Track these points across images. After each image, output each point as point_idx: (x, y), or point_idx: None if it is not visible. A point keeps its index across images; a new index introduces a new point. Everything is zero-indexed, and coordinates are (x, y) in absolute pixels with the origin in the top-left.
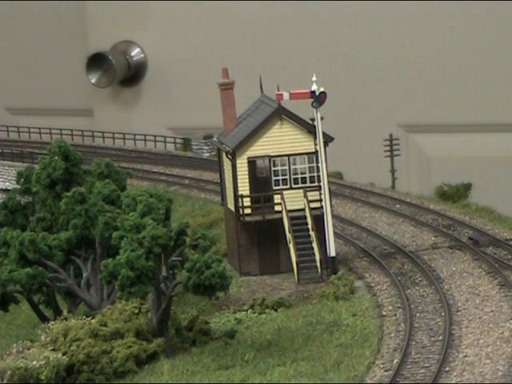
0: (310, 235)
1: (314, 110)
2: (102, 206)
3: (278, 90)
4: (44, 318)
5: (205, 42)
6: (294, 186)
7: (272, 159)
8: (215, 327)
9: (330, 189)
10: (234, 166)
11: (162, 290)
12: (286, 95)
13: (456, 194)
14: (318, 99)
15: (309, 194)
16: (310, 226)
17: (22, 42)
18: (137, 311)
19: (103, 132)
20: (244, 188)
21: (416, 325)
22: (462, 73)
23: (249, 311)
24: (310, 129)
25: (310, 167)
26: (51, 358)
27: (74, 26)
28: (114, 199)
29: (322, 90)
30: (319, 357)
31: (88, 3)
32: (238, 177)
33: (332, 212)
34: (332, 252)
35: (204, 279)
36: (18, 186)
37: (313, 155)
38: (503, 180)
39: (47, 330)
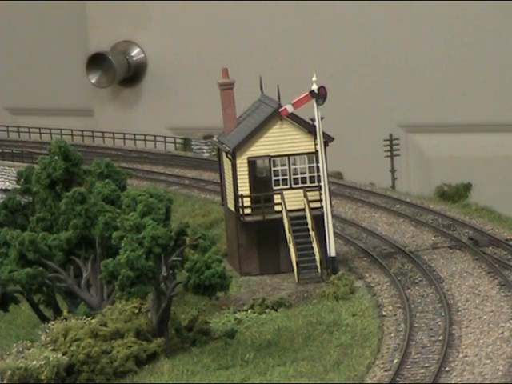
0: (310, 235)
1: (315, 109)
2: (102, 205)
3: (278, 91)
4: (44, 318)
5: (205, 41)
6: (293, 186)
7: (272, 159)
8: (215, 327)
9: (330, 189)
10: (234, 166)
11: (162, 289)
12: (289, 108)
13: (456, 193)
14: (320, 95)
15: (309, 194)
16: (310, 226)
17: (22, 42)
18: (137, 311)
19: (103, 132)
20: (244, 188)
21: (416, 325)
22: (462, 73)
23: (249, 311)
24: (310, 129)
25: (309, 167)
26: (51, 358)
27: (74, 26)
28: (114, 199)
29: (320, 85)
30: (319, 357)
31: (88, 3)
32: (238, 177)
33: (332, 212)
34: (332, 252)
35: (204, 279)
36: (18, 186)
37: (313, 155)
38: (503, 180)
39: (47, 330)
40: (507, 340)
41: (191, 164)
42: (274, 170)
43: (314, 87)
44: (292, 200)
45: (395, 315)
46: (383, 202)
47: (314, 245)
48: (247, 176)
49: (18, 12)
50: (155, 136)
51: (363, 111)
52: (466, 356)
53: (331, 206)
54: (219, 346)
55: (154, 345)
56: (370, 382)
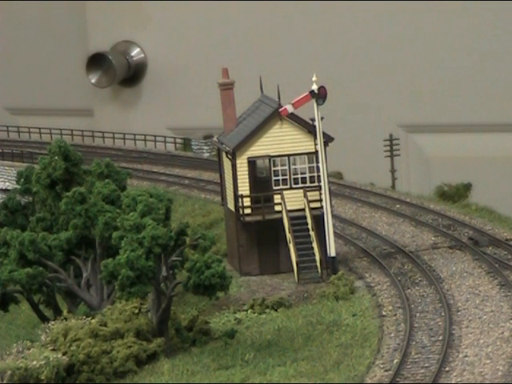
0: (310, 235)
1: (315, 109)
2: (102, 205)
3: (278, 91)
4: (44, 318)
5: (205, 41)
6: (293, 186)
7: (272, 159)
8: (215, 327)
9: (330, 189)
10: (234, 166)
11: (162, 289)
12: (289, 108)
13: (456, 193)
14: (320, 95)
15: (309, 194)
16: (310, 226)
17: (22, 42)
18: (137, 311)
19: (103, 132)
20: (244, 188)
21: (416, 325)
22: (462, 73)
23: (249, 311)
24: (310, 129)
25: (310, 167)
26: (51, 358)
27: (74, 26)
28: (114, 199)
29: (320, 85)
30: (319, 357)
31: (88, 3)
32: (238, 177)
33: (332, 212)
34: (332, 252)
35: (204, 279)
36: (18, 186)
37: (313, 155)
38: (503, 180)
39: (47, 330)
40: (507, 340)
41: (191, 164)
42: (274, 170)
43: (314, 87)
44: (292, 200)
45: (395, 315)
46: (383, 202)
47: (314, 245)
48: (247, 176)
49: (18, 12)
50: (155, 136)
51: (363, 111)
52: (465, 356)
53: (331, 205)
54: (219, 346)
55: (154, 345)
56: (370, 382)
